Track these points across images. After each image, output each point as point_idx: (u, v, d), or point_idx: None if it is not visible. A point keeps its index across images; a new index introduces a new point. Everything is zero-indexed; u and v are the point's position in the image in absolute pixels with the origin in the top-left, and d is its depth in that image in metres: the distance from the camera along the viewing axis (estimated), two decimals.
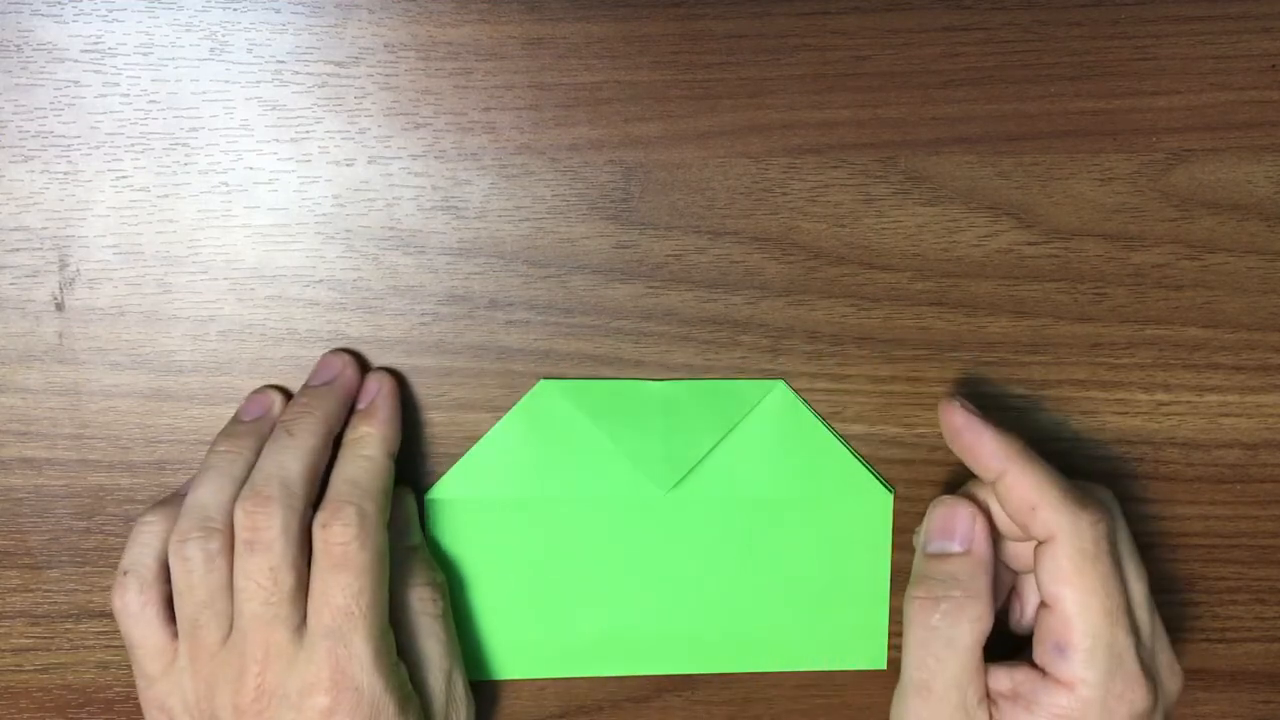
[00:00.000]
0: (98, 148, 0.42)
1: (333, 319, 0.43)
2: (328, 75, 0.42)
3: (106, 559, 0.44)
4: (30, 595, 0.44)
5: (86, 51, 0.41)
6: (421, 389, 0.43)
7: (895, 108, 0.42)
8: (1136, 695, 0.38)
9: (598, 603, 0.44)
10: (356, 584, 0.38)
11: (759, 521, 0.44)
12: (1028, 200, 0.43)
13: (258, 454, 0.40)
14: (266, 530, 0.38)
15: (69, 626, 0.44)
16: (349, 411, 0.42)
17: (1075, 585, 0.38)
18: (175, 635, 0.40)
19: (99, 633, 0.44)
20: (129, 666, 0.44)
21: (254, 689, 0.38)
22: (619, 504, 0.44)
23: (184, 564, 0.39)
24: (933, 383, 0.44)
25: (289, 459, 0.39)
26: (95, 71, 0.41)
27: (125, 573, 0.40)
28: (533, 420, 0.43)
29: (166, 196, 0.42)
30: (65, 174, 0.42)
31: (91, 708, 0.45)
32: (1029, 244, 0.43)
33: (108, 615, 0.44)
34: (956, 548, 0.40)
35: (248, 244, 0.42)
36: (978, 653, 0.39)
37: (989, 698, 0.40)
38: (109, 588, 0.44)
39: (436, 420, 0.43)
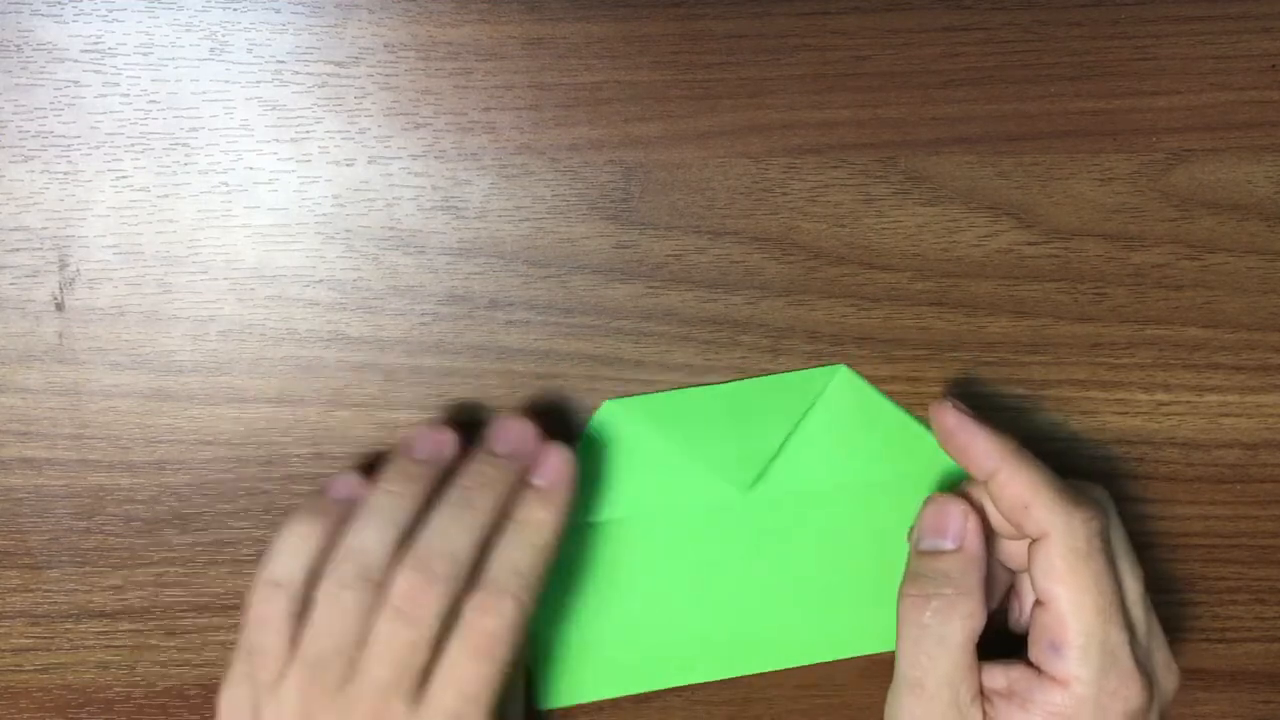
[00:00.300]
0: (98, 148, 0.42)
1: (333, 319, 0.43)
2: (328, 75, 0.42)
3: (106, 559, 0.44)
4: (30, 595, 0.44)
5: (86, 51, 0.41)
6: (421, 389, 0.43)
7: (895, 108, 0.42)
8: (1131, 692, 0.38)
9: (691, 612, 0.44)
10: (492, 674, 0.38)
11: (843, 507, 0.43)
12: (1028, 200, 0.43)
13: (424, 499, 0.39)
14: (424, 609, 0.37)
15: (69, 626, 0.44)
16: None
17: (1068, 583, 0.38)
18: (295, 646, 0.38)
19: (99, 633, 0.44)
20: (129, 666, 0.44)
21: None
22: (701, 511, 0.43)
23: (336, 607, 0.38)
24: (933, 383, 0.44)
25: (461, 535, 0.38)
26: (95, 71, 0.41)
27: (278, 585, 0.38)
28: (603, 443, 0.43)
29: (166, 196, 0.42)
30: (65, 174, 0.42)
31: (91, 708, 0.45)
32: (1029, 244, 0.43)
33: (108, 615, 0.44)
34: (948, 545, 0.40)
35: (248, 244, 0.42)
36: (970, 650, 0.39)
37: (984, 695, 0.40)
38: (109, 588, 0.44)
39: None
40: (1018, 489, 0.39)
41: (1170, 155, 0.43)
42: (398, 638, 0.37)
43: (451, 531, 0.38)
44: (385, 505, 0.39)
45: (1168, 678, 0.40)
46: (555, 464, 0.40)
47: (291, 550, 0.39)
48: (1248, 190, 0.43)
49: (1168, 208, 0.43)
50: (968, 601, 0.39)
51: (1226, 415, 0.45)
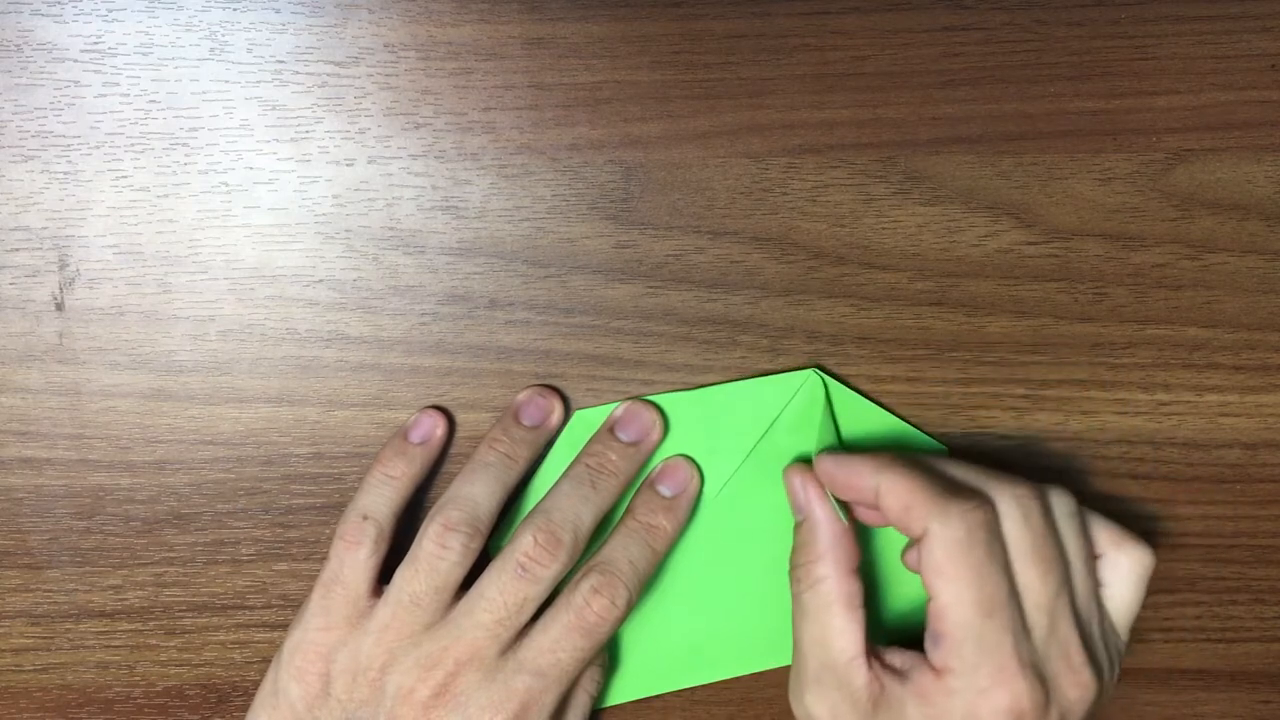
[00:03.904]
0: (98, 148, 0.42)
1: (333, 319, 0.43)
2: (328, 75, 0.42)
3: (106, 559, 0.44)
4: (30, 595, 0.44)
5: (86, 51, 0.41)
6: (421, 389, 0.43)
7: (895, 108, 0.42)
8: (1007, 693, 0.37)
9: (671, 617, 0.44)
10: (587, 651, 0.40)
11: None
12: (1028, 200, 0.43)
13: (529, 462, 0.42)
14: (545, 569, 0.40)
15: (69, 626, 0.44)
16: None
17: (947, 575, 0.38)
18: (376, 591, 0.41)
19: (99, 633, 0.44)
20: (129, 666, 0.44)
21: (439, 684, 0.39)
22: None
23: (440, 549, 0.40)
24: (933, 383, 0.44)
25: (586, 513, 0.41)
26: (95, 71, 0.41)
27: (366, 518, 0.41)
28: (575, 451, 0.43)
29: (166, 196, 0.42)
30: (65, 174, 0.42)
31: (91, 708, 0.45)
32: (1029, 244, 0.43)
33: (107, 615, 0.44)
34: (799, 518, 0.42)
35: (248, 244, 0.42)
36: (836, 612, 0.39)
37: (883, 669, 0.39)
38: (109, 588, 0.44)
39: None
40: (899, 492, 0.39)
41: (1170, 155, 0.43)
42: (515, 590, 0.40)
43: (578, 507, 0.41)
44: (492, 462, 0.41)
45: (1072, 688, 0.39)
46: (682, 476, 0.43)
47: (379, 491, 0.41)
48: (1248, 190, 0.43)
49: (1168, 208, 0.43)
50: (819, 566, 0.40)
51: (1226, 415, 0.45)
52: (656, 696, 0.45)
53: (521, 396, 0.43)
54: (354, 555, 0.40)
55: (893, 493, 0.39)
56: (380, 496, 0.41)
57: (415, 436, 0.42)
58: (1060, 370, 0.44)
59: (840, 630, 0.39)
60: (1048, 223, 0.43)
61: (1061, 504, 0.40)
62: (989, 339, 0.44)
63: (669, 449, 0.43)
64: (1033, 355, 0.44)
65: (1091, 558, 0.40)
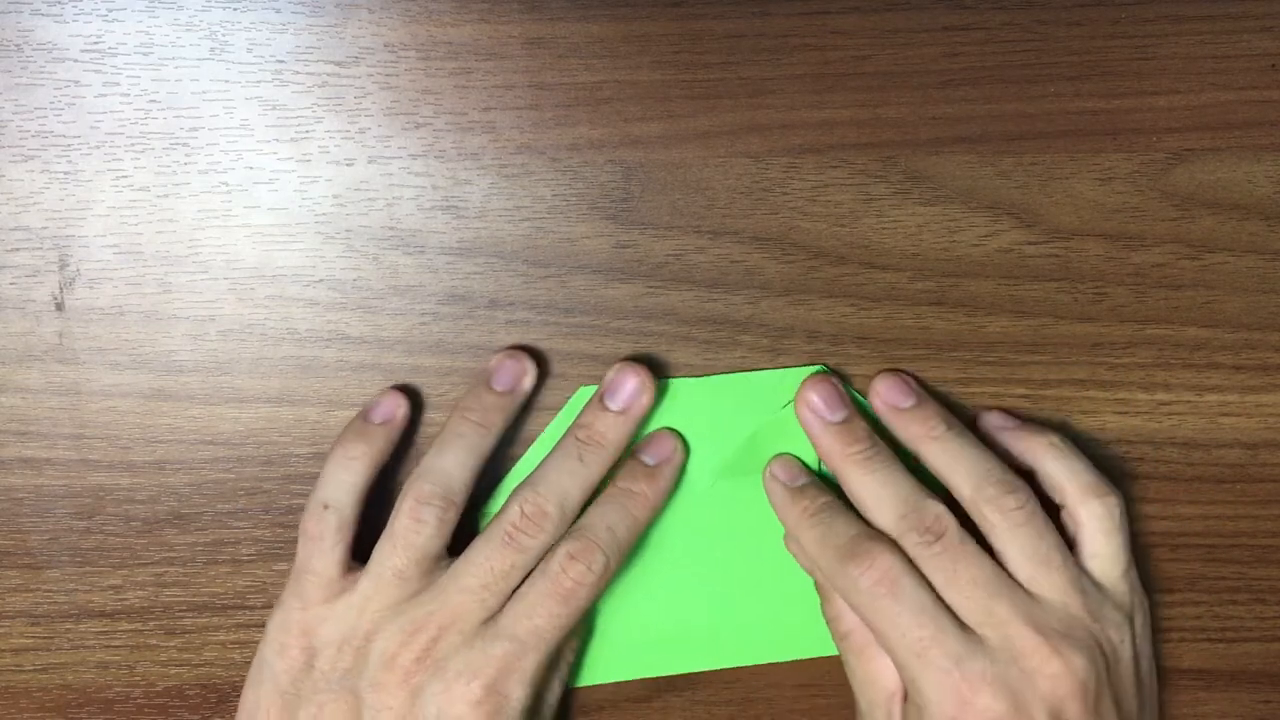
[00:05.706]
0: (98, 148, 0.42)
1: (333, 319, 0.43)
2: (328, 75, 0.42)
3: (106, 559, 0.44)
4: (30, 595, 0.44)
5: (86, 51, 0.41)
6: (421, 389, 0.43)
7: (895, 108, 0.42)
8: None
9: (663, 600, 0.44)
10: (565, 618, 0.40)
11: None
12: (1028, 200, 0.43)
13: (504, 428, 0.42)
14: (532, 539, 0.40)
15: (69, 626, 0.44)
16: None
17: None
18: (350, 570, 0.41)
19: (99, 633, 0.44)
20: (129, 666, 0.44)
21: (421, 648, 0.39)
22: (670, 500, 0.43)
23: (416, 523, 0.40)
24: (933, 383, 0.44)
25: (574, 486, 0.41)
26: (95, 71, 0.41)
27: (326, 507, 0.41)
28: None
29: (166, 196, 0.42)
30: (65, 174, 0.42)
31: (91, 708, 0.45)
32: (1029, 244, 0.43)
33: (108, 615, 0.44)
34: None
35: (248, 244, 0.42)
36: (869, 655, 0.42)
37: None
38: (109, 588, 0.44)
39: (436, 420, 0.43)
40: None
41: (1170, 155, 0.43)
42: (501, 557, 0.40)
43: (566, 481, 0.41)
44: (464, 432, 0.41)
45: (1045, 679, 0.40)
46: (666, 448, 0.43)
47: (339, 477, 0.41)
48: (1248, 190, 0.43)
49: (1168, 208, 0.43)
50: (843, 622, 0.42)
51: (1226, 415, 0.45)
52: (657, 695, 0.45)
53: (493, 362, 0.43)
54: (318, 547, 0.40)
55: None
56: (340, 482, 0.41)
57: (377, 417, 0.42)
58: (1060, 370, 0.44)
59: (881, 670, 0.41)
60: (1048, 223, 0.43)
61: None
62: (989, 339, 0.44)
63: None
64: (1033, 355, 0.44)
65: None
